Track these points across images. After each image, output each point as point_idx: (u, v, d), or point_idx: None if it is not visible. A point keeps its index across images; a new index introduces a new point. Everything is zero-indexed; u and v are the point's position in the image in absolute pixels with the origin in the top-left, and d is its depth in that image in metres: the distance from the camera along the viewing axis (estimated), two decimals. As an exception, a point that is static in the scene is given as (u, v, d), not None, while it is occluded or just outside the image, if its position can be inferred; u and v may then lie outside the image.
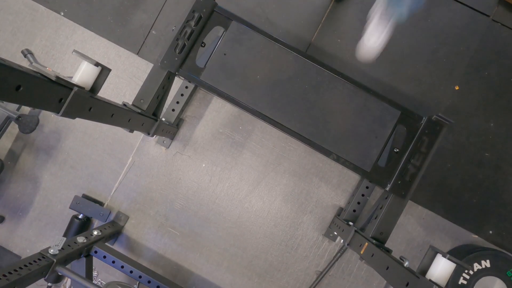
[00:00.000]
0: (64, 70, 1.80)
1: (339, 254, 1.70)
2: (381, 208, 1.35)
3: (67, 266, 1.28)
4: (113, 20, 1.81)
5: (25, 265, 1.13)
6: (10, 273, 1.06)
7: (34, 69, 0.78)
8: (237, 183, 1.75)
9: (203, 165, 1.76)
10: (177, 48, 1.36)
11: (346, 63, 1.76)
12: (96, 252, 1.47)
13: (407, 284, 0.96)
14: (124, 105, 1.23)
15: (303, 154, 1.74)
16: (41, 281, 1.27)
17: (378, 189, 1.68)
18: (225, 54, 1.39)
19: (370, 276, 1.71)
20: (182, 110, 1.71)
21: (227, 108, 1.76)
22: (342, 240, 1.71)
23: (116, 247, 1.75)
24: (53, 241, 1.27)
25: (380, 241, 1.30)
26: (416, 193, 1.71)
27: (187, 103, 1.73)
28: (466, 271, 1.58)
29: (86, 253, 1.44)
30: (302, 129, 1.38)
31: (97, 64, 0.93)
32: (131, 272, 1.47)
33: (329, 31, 1.78)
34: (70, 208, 1.71)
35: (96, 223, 1.76)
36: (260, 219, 1.74)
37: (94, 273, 1.72)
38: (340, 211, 1.72)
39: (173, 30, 1.37)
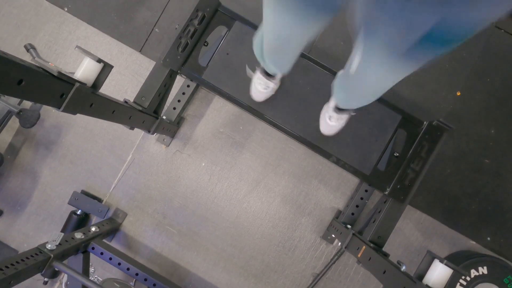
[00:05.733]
0: (66, 66, 1.81)
1: (336, 257, 1.70)
2: (379, 212, 1.35)
3: (64, 262, 1.28)
4: (117, 17, 1.81)
5: (22, 260, 1.12)
6: (7, 267, 1.06)
7: (37, 64, 0.78)
8: (236, 183, 1.75)
9: (203, 164, 1.75)
10: (179, 47, 1.36)
11: (349, 66, 1.76)
12: (93, 248, 1.47)
13: (404, 289, 0.96)
14: (126, 102, 1.23)
15: (303, 156, 1.74)
16: (38, 276, 1.27)
17: (377, 193, 1.68)
18: (227, 54, 1.39)
19: (367, 280, 1.71)
20: (183, 109, 1.71)
21: (228, 107, 1.76)
22: (339, 243, 1.71)
23: (114, 244, 1.74)
24: (50, 236, 1.27)
25: (377, 245, 1.29)
26: (415, 197, 1.71)
27: (188, 101, 1.73)
28: (463, 277, 1.58)
29: (83, 249, 1.44)
30: (302, 131, 1.38)
31: (99, 61, 0.93)
32: (127, 269, 1.47)
33: (332, 33, 1.78)
34: (68, 203, 1.71)
35: (94, 219, 1.76)
36: (258, 220, 1.74)
37: (91, 269, 1.71)
38: (339, 214, 1.72)
39: (176, 28, 1.38)
